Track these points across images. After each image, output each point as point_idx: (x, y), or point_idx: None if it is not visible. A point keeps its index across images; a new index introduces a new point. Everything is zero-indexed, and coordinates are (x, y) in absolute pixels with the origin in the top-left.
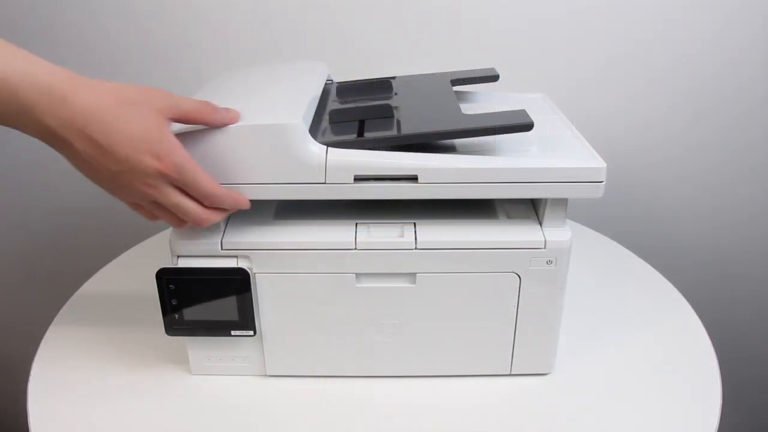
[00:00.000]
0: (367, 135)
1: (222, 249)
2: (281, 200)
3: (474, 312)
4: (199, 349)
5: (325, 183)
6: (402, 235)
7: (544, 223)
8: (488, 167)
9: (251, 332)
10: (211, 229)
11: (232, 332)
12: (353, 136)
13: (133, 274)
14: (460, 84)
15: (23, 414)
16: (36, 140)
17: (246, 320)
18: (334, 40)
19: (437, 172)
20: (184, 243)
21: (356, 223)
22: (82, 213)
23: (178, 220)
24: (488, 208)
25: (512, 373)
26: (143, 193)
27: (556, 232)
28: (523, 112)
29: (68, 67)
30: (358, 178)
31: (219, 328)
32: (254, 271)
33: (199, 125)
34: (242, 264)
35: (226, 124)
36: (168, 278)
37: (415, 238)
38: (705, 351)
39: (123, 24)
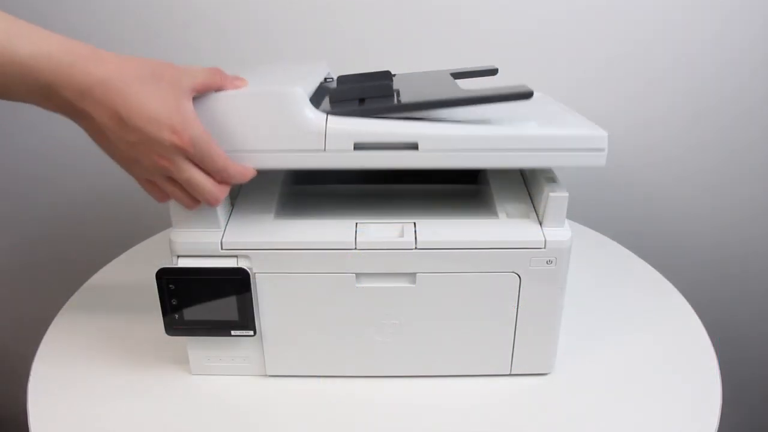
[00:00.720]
0: (368, 106)
1: (222, 249)
2: (281, 199)
3: (474, 312)
4: (199, 349)
5: (324, 150)
6: (402, 235)
7: (544, 222)
8: (490, 134)
9: (251, 332)
10: (211, 228)
11: (232, 332)
12: (354, 108)
13: (133, 273)
14: (460, 78)
15: (23, 414)
16: (35, 141)
17: (246, 320)
18: (334, 40)
19: (438, 140)
20: (184, 243)
21: (356, 223)
22: (81, 213)
23: (190, 198)
24: (488, 208)
25: (512, 373)
26: (158, 167)
27: (556, 232)
28: (522, 85)
29: None
30: (358, 146)
31: (219, 328)
32: (254, 271)
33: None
34: (242, 264)
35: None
36: (168, 278)
37: (415, 238)
38: (705, 351)
39: (122, 25)
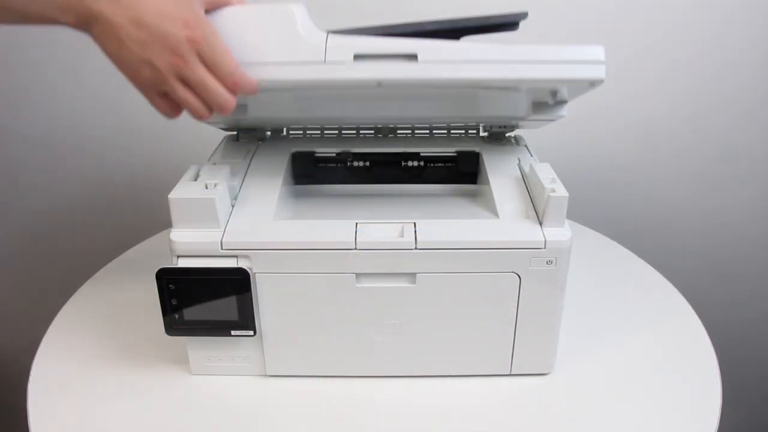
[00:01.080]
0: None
1: (222, 249)
2: (281, 199)
3: (474, 312)
4: (199, 349)
5: (324, 62)
6: (402, 235)
7: (544, 222)
8: (488, 48)
9: (251, 332)
10: (211, 228)
11: (232, 332)
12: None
13: (133, 273)
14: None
15: (23, 414)
16: (34, 140)
17: (246, 320)
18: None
19: (437, 51)
20: (184, 243)
21: (356, 223)
22: (82, 213)
23: (202, 105)
24: (488, 208)
25: (512, 373)
26: (171, 65)
27: (556, 232)
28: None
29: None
30: (358, 57)
31: (219, 328)
32: (254, 271)
33: None
34: (242, 264)
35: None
36: (168, 278)
37: (415, 238)
38: (705, 351)
39: None
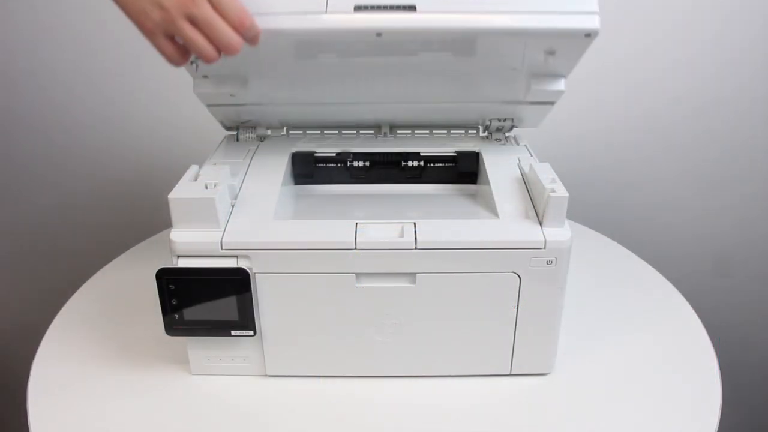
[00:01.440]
0: None
1: (222, 249)
2: (281, 199)
3: (474, 312)
4: (199, 349)
5: (325, 12)
6: (402, 235)
7: (544, 222)
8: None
9: (251, 332)
10: (211, 228)
11: (232, 332)
12: None
13: (133, 274)
14: None
15: (23, 414)
16: (34, 140)
17: (246, 320)
18: None
19: (436, 2)
20: (184, 243)
21: (356, 223)
22: (82, 213)
23: (209, 47)
24: (488, 208)
25: (512, 373)
26: (179, 4)
27: (556, 232)
28: None
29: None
30: (358, 8)
31: (219, 328)
32: (254, 271)
33: None
34: (242, 264)
35: None
36: (168, 278)
37: (415, 238)
38: (705, 351)
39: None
